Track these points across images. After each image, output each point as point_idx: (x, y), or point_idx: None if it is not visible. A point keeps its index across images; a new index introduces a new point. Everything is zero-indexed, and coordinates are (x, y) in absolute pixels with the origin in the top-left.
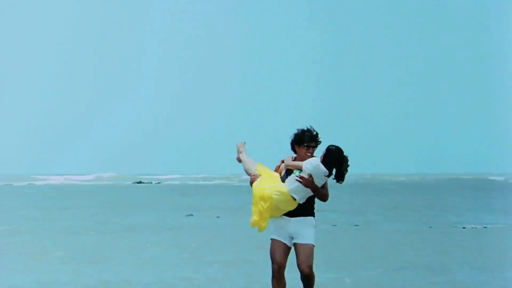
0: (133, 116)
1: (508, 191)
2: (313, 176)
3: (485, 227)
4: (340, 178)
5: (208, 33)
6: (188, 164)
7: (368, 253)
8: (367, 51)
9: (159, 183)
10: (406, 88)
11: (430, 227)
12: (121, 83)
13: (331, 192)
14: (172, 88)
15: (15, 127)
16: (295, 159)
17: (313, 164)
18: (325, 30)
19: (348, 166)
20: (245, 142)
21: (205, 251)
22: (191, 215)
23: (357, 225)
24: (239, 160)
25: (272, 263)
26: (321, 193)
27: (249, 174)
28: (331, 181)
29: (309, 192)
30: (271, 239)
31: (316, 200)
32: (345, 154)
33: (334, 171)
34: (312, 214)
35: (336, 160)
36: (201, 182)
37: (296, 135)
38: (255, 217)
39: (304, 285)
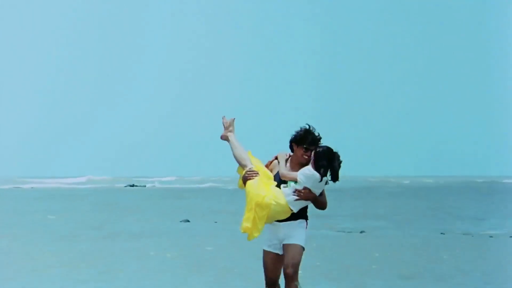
0: (127, 119)
1: None
2: (309, 187)
3: (510, 236)
4: (334, 176)
5: (208, 33)
6: (183, 166)
7: (373, 260)
8: (367, 51)
9: (153, 185)
10: (406, 88)
11: (442, 234)
12: (116, 87)
13: (336, 196)
14: (169, 91)
15: (7, 130)
16: (290, 157)
17: (307, 175)
18: (325, 30)
19: (340, 162)
20: (234, 119)
21: (204, 258)
22: (188, 220)
23: (363, 232)
24: (225, 138)
25: (265, 275)
26: (319, 202)
27: (242, 165)
28: (331, 184)
29: (307, 202)
30: (263, 250)
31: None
32: (335, 151)
33: (328, 173)
34: (305, 217)
35: (326, 159)
36: (196, 185)
37: (298, 134)
38: (247, 224)
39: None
